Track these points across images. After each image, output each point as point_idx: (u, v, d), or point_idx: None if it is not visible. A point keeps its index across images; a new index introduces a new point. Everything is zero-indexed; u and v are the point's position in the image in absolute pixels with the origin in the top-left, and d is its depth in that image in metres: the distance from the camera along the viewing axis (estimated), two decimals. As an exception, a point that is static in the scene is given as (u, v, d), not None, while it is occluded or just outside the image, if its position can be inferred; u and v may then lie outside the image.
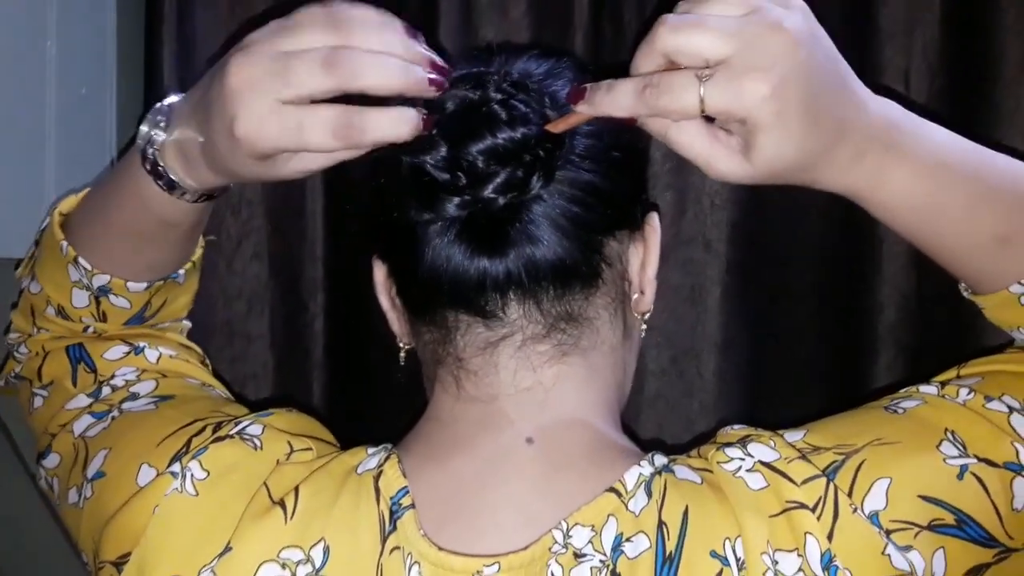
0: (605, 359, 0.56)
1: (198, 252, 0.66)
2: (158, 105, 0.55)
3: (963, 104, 0.81)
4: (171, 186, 0.55)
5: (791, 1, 0.47)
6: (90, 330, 0.65)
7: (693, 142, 0.49)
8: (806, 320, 0.86)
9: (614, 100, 0.49)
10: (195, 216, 0.60)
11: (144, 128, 0.55)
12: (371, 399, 0.92)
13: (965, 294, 0.59)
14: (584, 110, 0.50)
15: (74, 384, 0.63)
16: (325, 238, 0.91)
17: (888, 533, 0.49)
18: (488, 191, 0.50)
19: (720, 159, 0.49)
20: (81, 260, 0.61)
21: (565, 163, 0.52)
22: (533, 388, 0.54)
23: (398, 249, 0.55)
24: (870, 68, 0.82)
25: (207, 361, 0.70)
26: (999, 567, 0.51)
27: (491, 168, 0.50)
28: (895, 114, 0.52)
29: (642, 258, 0.57)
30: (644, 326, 0.59)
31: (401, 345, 0.60)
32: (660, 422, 0.86)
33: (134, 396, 0.61)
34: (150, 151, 0.55)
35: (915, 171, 0.51)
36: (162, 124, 0.54)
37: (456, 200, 0.51)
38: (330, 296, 0.93)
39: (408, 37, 0.49)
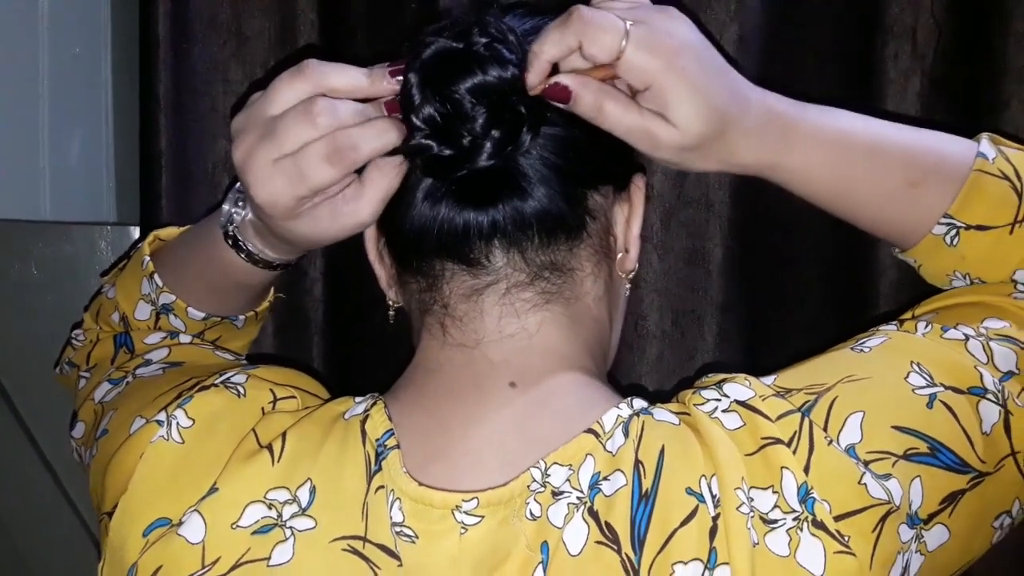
0: (588, 310, 0.57)
1: (264, 304, 0.72)
2: (238, 184, 0.60)
3: (971, 61, 0.80)
4: (252, 258, 0.62)
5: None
6: None
7: (624, 116, 0.52)
8: (808, 281, 0.85)
9: (542, 46, 0.51)
10: (272, 279, 0.66)
11: (225, 206, 0.61)
12: (372, 363, 0.92)
13: (898, 255, 0.62)
14: (532, 80, 0.52)
15: (112, 363, 0.67)
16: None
17: (866, 464, 0.49)
18: (483, 159, 0.51)
19: (656, 126, 0.52)
20: (156, 276, 0.67)
21: (537, 125, 0.53)
22: (517, 334, 0.55)
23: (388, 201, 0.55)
24: (877, 26, 0.81)
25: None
26: (974, 492, 0.51)
27: (477, 110, 0.51)
28: (775, 96, 0.56)
29: (627, 216, 0.59)
30: (628, 285, 0.61)
31: (389, 303, 0.61)
32: (662, 383, 0.86)
33: (147, 362, 0.64)
34: (230, 229, 0.61)
35: (814, 135, 0.56)
36: (240, 204, 0.60)
37: (457, 173, 0.52)
38: (329, 261, 0.92)
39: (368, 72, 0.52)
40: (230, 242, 0.61)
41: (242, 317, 0.70)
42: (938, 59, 0.80)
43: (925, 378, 0.52)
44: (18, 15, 0.82)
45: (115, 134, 0.92)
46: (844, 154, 0.56)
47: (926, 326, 0.56)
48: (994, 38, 0.78)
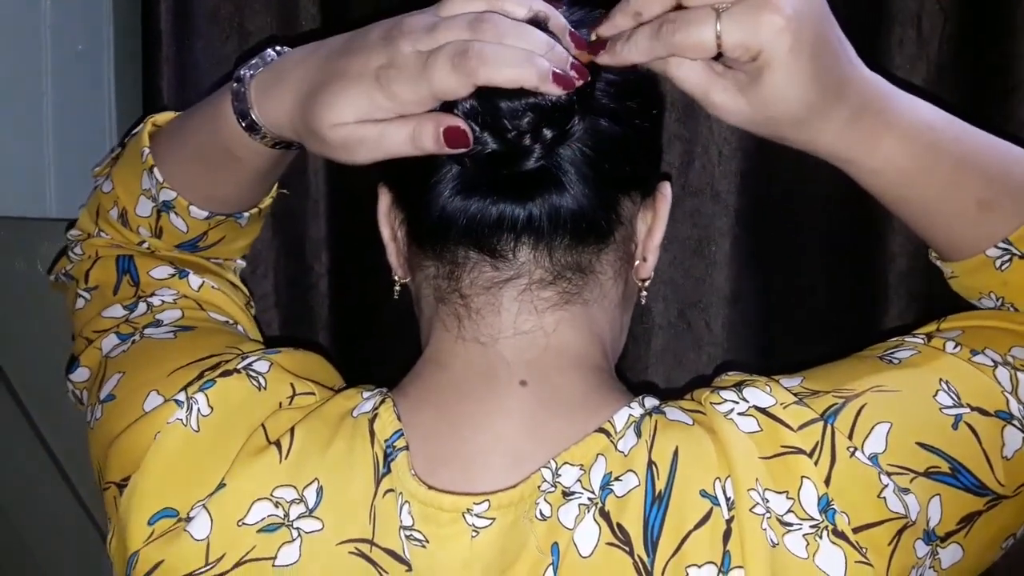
0: (605, 314, 0.56)
1: (267, 201, 0.68)
2: (254, 59, 0.56)
3: (975, 49, 0.79)
4: (242, 112, 0.55)
5: None
6: (144, 245, 0.66)
7: (689, 74, 0.50)
8: (816, 270, 0.85)
9: (635, 46, 0.49)
10: (261, 161, 0.60)
11: (241, 71, 0.56)
12: (379, 359, 0.91)
13: (936, 262, 0.61)
14: (606, 61, 0.50)
15: (115, 293, 0.64)
16: (328, 196, 0.90)
17: (889, 476, 0.49)
18: (532, 161, 0.50)
19: (717, 91, 0.50)
20: (156, 170, 0.62)
21: (588, 112, 0.51)
22: (533, 332, 0.54)
23: (413, 180, 0.54)
24: (882, 12, 0.80)
25: (252, 304, 0.70)
26: (990, 514, 0.52)
27: (526, 113, 0.49)
28: (885, 84, 0.53)
29: (650, 225, 0.58)
30: (644, 293, 0.60)
31: (396, 279, 0.60)
32: (668, 375, 0.86)
33: (158, 323, 0.62)
34: (247, 73, 0.55)
35: (905, 136, 0.53)
36: (269, 59, 0.55)
37: (504, 171, 0.50)
38: (334, 255, 0.92)
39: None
40: (233, 90, 0.55)
41: (246, 214, 0.67)
42: (944, 45, 0.80)
43: (952, 397, 0.52)
44: (20, 13, 0.82)
45: (118, 130, 0.92)
46: (924, 171, 0.54)
47: (955, 347, 0.55)
48: (1001, 23, 0.77)
